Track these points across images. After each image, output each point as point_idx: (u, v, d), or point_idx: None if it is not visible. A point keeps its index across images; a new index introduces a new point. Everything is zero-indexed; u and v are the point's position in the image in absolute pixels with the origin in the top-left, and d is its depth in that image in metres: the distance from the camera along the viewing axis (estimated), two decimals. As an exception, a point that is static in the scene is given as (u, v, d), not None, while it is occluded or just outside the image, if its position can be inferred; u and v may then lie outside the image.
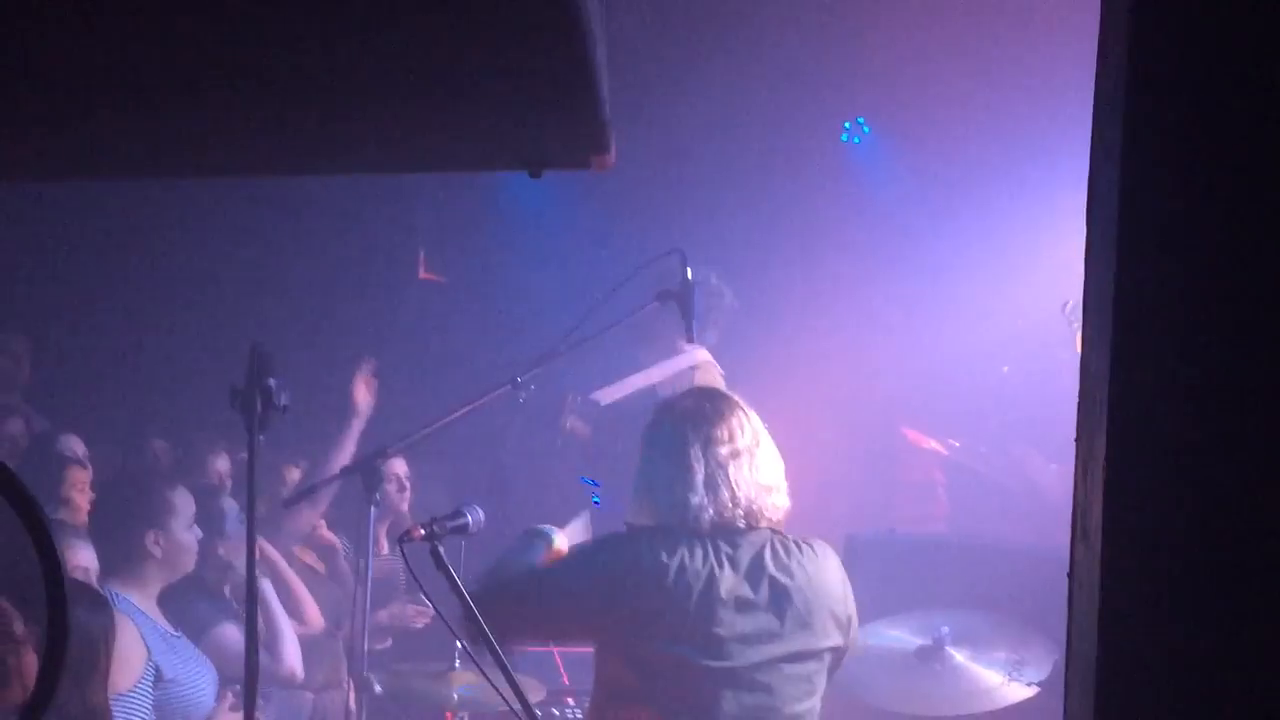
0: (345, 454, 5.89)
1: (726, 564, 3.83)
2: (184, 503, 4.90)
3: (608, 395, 6.52)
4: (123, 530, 4.70)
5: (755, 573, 3.84)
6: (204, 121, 1.83)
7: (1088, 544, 1.64)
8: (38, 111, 1.77)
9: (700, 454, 3.87)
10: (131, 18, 1.33)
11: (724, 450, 3.87)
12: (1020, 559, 5.93)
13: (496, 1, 1.26)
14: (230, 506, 5.45)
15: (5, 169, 2.27)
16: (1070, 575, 1.70)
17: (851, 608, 3.98)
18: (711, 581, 3.80)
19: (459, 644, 4.01)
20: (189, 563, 4.88)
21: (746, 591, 3.82)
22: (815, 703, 3.91)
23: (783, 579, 3.85)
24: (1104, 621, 1.58)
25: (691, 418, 3.94)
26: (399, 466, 6.44)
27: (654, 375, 6.52)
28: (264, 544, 5.41)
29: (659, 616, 3.81)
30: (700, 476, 3.85)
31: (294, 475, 6.20)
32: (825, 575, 3.93)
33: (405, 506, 6.54)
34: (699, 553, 3.83)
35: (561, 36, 1.33)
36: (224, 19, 1.34)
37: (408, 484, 6.59)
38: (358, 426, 6.07)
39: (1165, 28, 1.54)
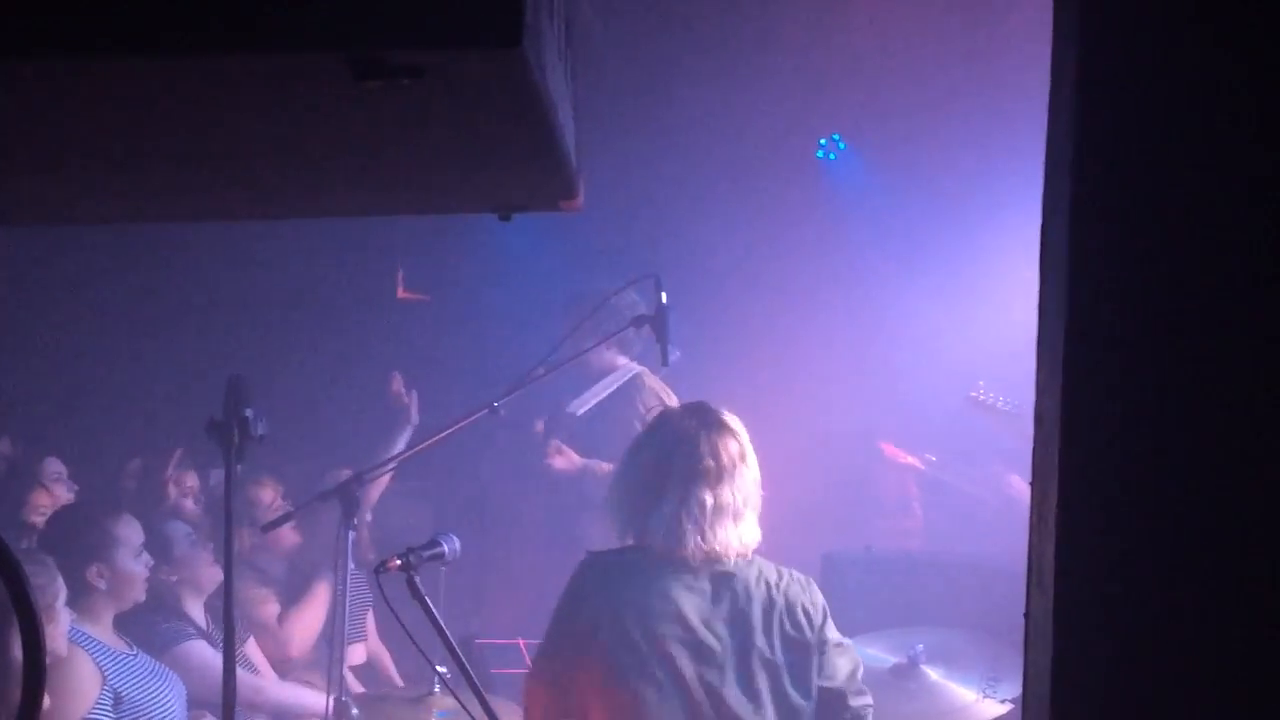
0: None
1: (680, 596, 3.87)
2: (128, 533, 4.81)
3: (580, 406, 6.61)
4: (67, 564, 4.66)
5: (706, 605, 3.88)
6: (195, 172, 1.87)
7: (1042, 589, 1.68)
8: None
9: (678, 485, 3.90)
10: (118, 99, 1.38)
11: (701, 486, 3.89)
12: (995, 574, 5.95)
13: (461, 82, 1.30)
14: (177, 530, 5.38)
15: None
16: (1026, 617, 1.74)
17: (819, 634, 3.95)
18: (660, 615, 3.85)
19: (435, 669, 4.03)
20: (139, 593, 4.81)
21: (695, 623, 3.86)
22: None
23: (733, 612, 3.88)
24: (1058, 664, 1.62)
25: (683, 442, 3.95)
26: None
27: (610, 385, 6.63)
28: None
29: (610, 650, 3.86)
30: (669, 508, 3.89)
31: (266, 495, 6.12)
32: (773, 604, 3.92)
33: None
34: (652, 584, 3.89)
35: (524, 113, 1.37)
36: (224, 94, 1.39)
37: None
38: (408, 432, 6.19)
39: (1114, 85, 1.58)
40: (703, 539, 3.86)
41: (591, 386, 6.65)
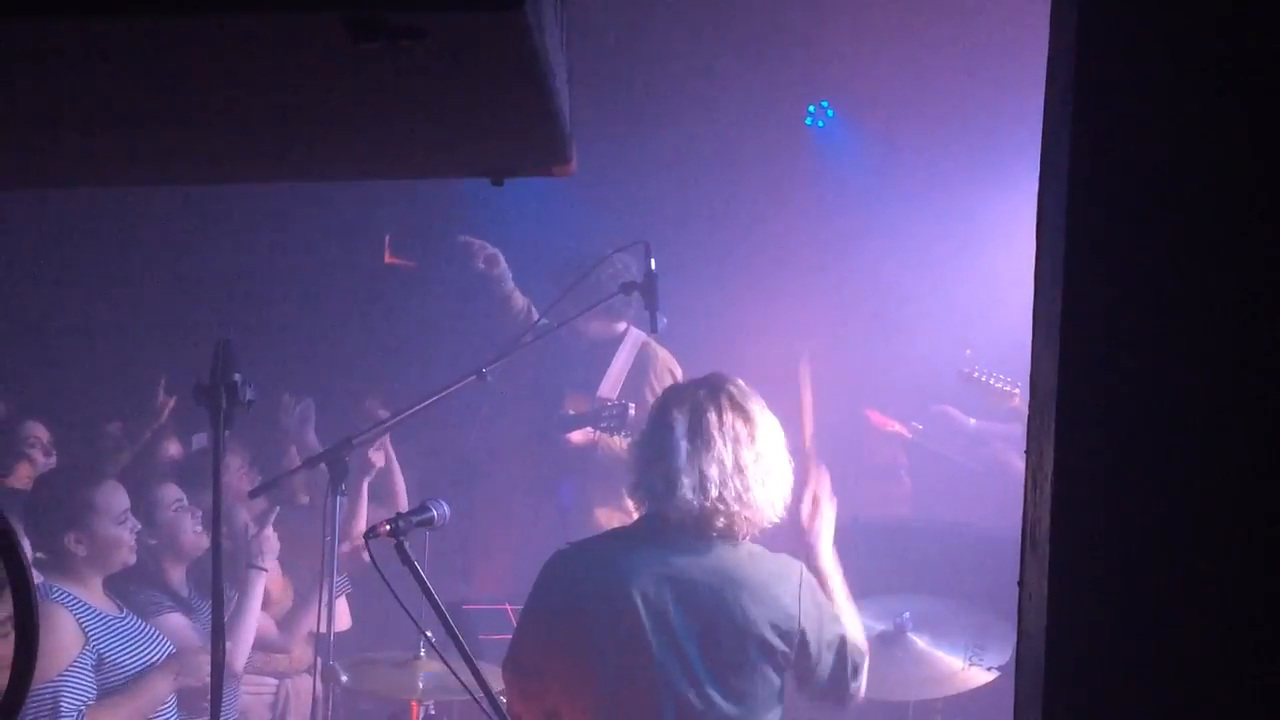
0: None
1: (664, 578, 3.74)
2: (109, 500, 4.79)
3: (613, 389, 6.60)
4: (45, 531, 4.65)
5: (688, 585, 3.74)
6: (191, 135, 1.86)
7: (1036, 553, 1.68)
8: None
9: (683, 452, 3.75)
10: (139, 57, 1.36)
11: (707, 442, 3.74)
12: (982, 542, 5.97)
13: (461, 43, 1.29)
14: (167, 494, 5.33)
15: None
16: (1020, 583, 1.74)
17: (800, 622, 3.75)
18: (642, 601, 3.72)
19: (423, 634, 4.03)
20: (126, 556, 4.79)
21: (669, 606, 3.73)
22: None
23: (712, 593, 3.72)
24: (1052, 629, 1.62)
25: (693, 411, 3.80)
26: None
27: (628, 359, 6.62)
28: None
29: (591, 640, 3.76)
30: (679, 462, 3.74)
31: (234, 461, 5.98)
32: (757, 589, 3.74)
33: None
34: (637, 566, 3.76)
35: (522, 75, 1.35)
36: (221, 56, 1.38)
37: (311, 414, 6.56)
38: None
39: (1112, 52, 1.57)
40: (706, 498, 3.72)
41: (610, 360, 6.63)
